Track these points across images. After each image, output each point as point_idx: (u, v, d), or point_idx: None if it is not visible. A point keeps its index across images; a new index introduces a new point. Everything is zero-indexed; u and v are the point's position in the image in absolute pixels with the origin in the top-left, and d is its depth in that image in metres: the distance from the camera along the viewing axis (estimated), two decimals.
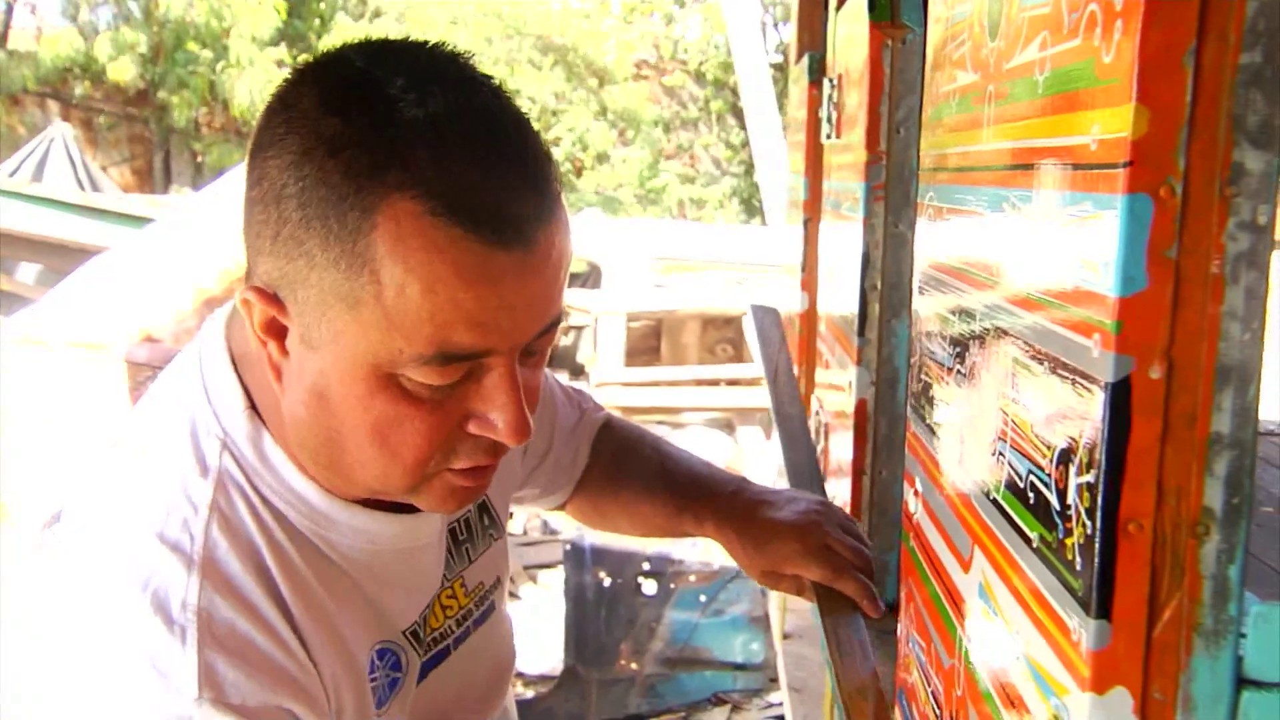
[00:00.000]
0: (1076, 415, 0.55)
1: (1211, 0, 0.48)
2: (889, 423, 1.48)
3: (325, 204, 0.75)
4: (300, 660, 0.83)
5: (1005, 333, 0.68)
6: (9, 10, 12.72)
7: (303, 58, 0.90)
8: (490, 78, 0.81)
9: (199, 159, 16.04)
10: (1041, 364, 0.60)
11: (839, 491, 1.60)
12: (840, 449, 1.62)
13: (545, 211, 0.79)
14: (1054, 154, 0.59)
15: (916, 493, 0.99)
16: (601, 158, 17.20)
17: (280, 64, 14.68)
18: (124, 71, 14.28)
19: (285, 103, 0.79)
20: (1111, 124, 0.51)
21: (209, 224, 4.04)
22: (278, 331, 0.81)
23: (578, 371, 8.03)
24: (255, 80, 14.25)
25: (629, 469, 1.33)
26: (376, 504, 0.92)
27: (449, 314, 0.75)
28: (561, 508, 1.38)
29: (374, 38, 0.83)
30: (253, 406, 0.87)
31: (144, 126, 15.97)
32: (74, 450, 3.10)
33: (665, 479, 1.31)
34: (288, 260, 0.77)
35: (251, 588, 0.82)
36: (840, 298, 1.65)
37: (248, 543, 0.84)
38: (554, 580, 5.55)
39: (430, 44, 0.82)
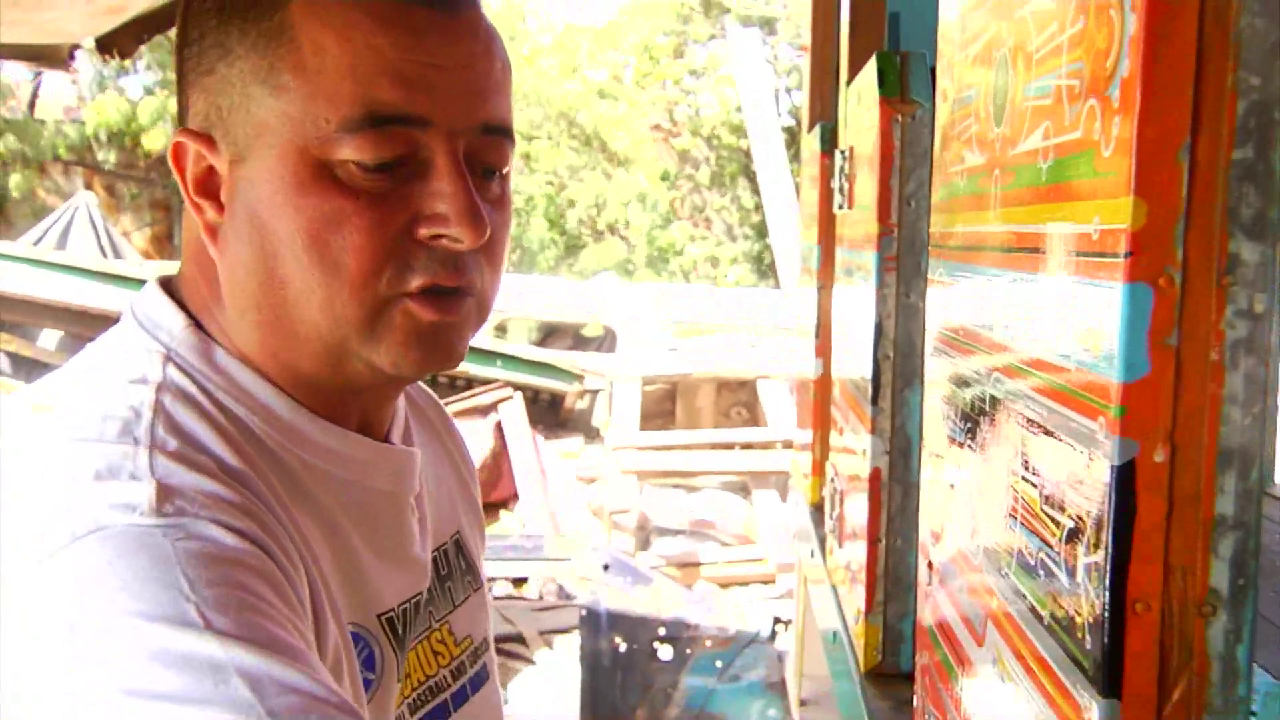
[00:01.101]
0: (1083, 495, 0.56)
1: (1205, 98, 0.50)
2: (903, 491, 1.49)
3: (240, 2, 0.73)
4: (280, 519, 0.72)
5: (1013, 410, 0.69)
6: (37, 80, 13.00)
7: None
8: None
9: None
10: (1048, 444, 0.62)
11: (854, 558, 1.61)
12: (855, 515, 1.62)
13: None
14: (1057, 241, 0.61)
15: (930, 564, 1.00)
16: (614, 225, 17.35)
17: None
18: (163, 137, 14.56)
19: None
20: (1112, 215, 0.52)
21: None
22: (213, 188, 0.76)
23: (593, 435, 8.04)
24: None
25: None
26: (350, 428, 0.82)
27: (370, 64, 0.71)
28: None
29: None
30: (197, 325, 0.78)
31: (166, 192, 16.20)
32: None
33: None
34: (209, 73, 0.74)
35: (213, 470, 0.70)
36: (853, 365, 1.66)
37: (200, 443, 0.72)
38: (569, 645, 5.53)
39: None
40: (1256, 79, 0.49)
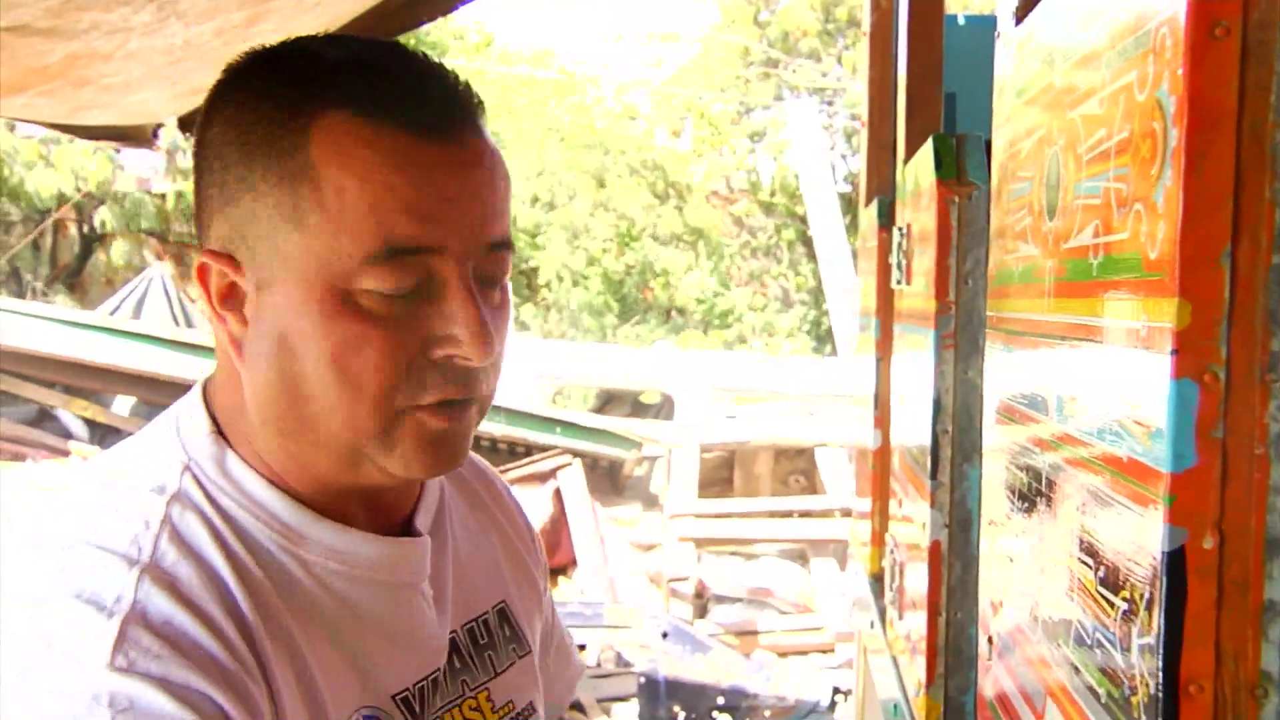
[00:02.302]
0: (1136, 580, 0.58)
1: (1244, 207, 0.53)
2: (963, 565, 1.50)
3: (264, 138, 0.78)
4: (246, 662, 0.77)
5: (1067, 494, 0.72)
6: (117, 154, 13.46)
7: None
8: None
9: None
10: (1101, 526, 0.64)
11: (914, 628, 1.62)
12: (915, 586, 1.63)
13: (470, 120, 0.81)
14: (1107, 334, 0.64)
15: (990, 639, 1.02)
16: (673, 286, 17.46)
17: None
18: None
19: (223, 81, 0.84)
20: (1158, 314, 0.56)
21: None
22: (236, 301, 0.82)
23: (651, 502, 8.04)
24: None
25: None
26: (356, 525, 0.87)
27: (388, 203, 0.76)
28: None
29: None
30: (219, 434, 0.85)
31: None
32: None
33: None
34: (235, 204, 0.80)
35: (199, 590, 0.77)
36: (913, 437, 1.68)
37: (200, 556, 0.79)
38: (628, 714, 5.50)
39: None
40: None
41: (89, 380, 7.83)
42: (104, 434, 7.63)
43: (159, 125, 3.36)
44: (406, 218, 0.76)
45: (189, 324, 9.36)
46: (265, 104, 0.79)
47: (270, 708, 0.77)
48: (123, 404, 8.20)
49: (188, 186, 14.56)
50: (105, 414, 8.00)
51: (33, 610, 0.75)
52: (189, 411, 0.87)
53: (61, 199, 14.03)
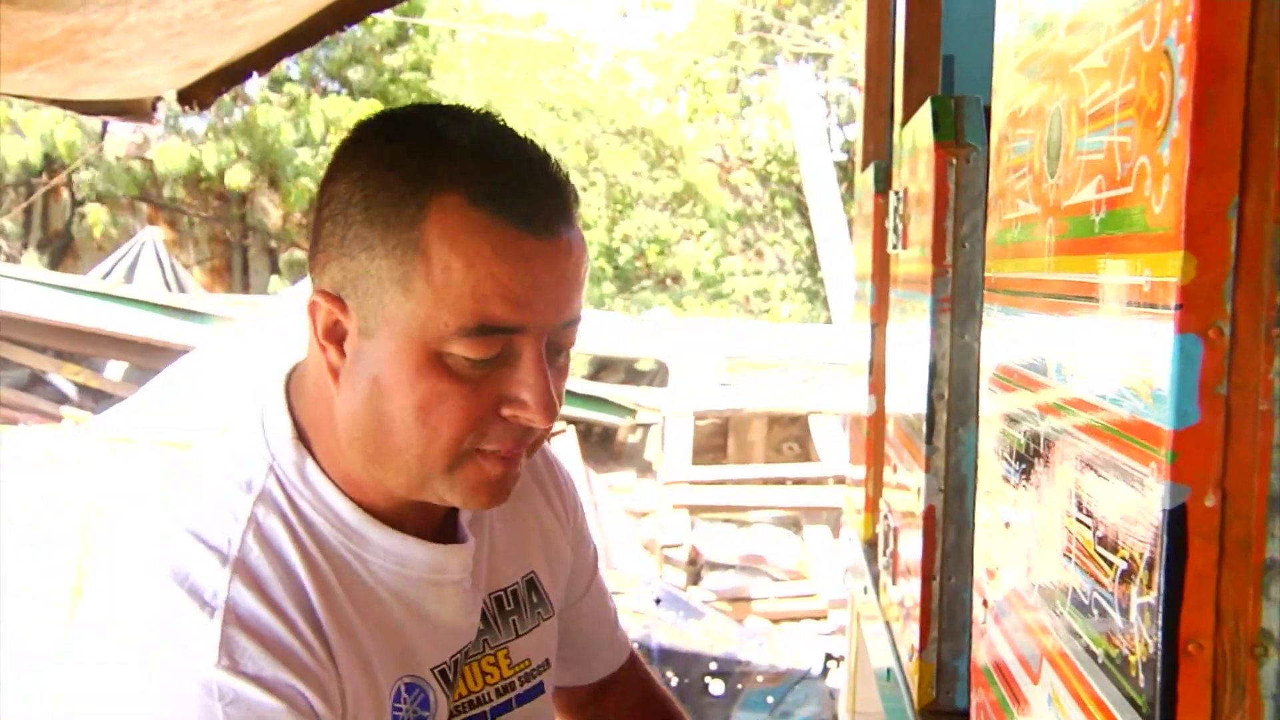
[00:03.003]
0: (1135, 537, 0.58)
1: (1252, 158, 0.52)
2: (957, 529, 1.49)
3: (386, 204, 0.88)
4: (319, 656, 0.91)
5: (1067, 453, 0.71)
6: (104, 121, 13.37)
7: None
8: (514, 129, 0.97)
9: (276, 259, 16.52)
10: (1101, 485, 0.64)
11: (908, 595, 1.62)
12: (909, 553, 1.63)
13: (567, 215, 0.92)
14: (1109, 291, 0.63)
15: (985, 602, 1.02)
16: (667, 254, 17.40)
17: None
18: (236, 179, 14.91)
19: (353, 140, 0.95)
20: (1162, 269, 0.55)
21: (288, 322, 4.17)
22: (338, 336, 0.93)
23: (645, 469, 8.05)
24: None
25: None
26: (411, 532, 1.00)
27: (487, 287, 0.87)
28: (574, 717, 1.40)
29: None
30: (300, 438, 0.98)
31: (225, 228, 16.52)
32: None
33: None
34: (351, 258, 0.90)
35: (278, 588, 0.91)
36: (908, 403, 1.68)
37: (279, 551, 0.93)
38: None
39: (471, 106, 0.97)
40: None
41: (81, 345, 7.80)
42: (96, 398, 7.61)
43: (158, 99, 3.33)
44: (501, 302, 0.87)
45: (181, 289, 9.32)
46: (391, 174, 0.89)
47: (339, 691, 0.91)
48: (115, 369, 8.18)
49: (172, 157, 14.55)
50: (97, 379, 7.99)
51: (138, 595, 0.89)
52: (273, 411, 0.99)
53: (49, 164, 13.94)
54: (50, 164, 14.10)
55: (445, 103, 1.00)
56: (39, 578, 3.06)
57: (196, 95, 2.86)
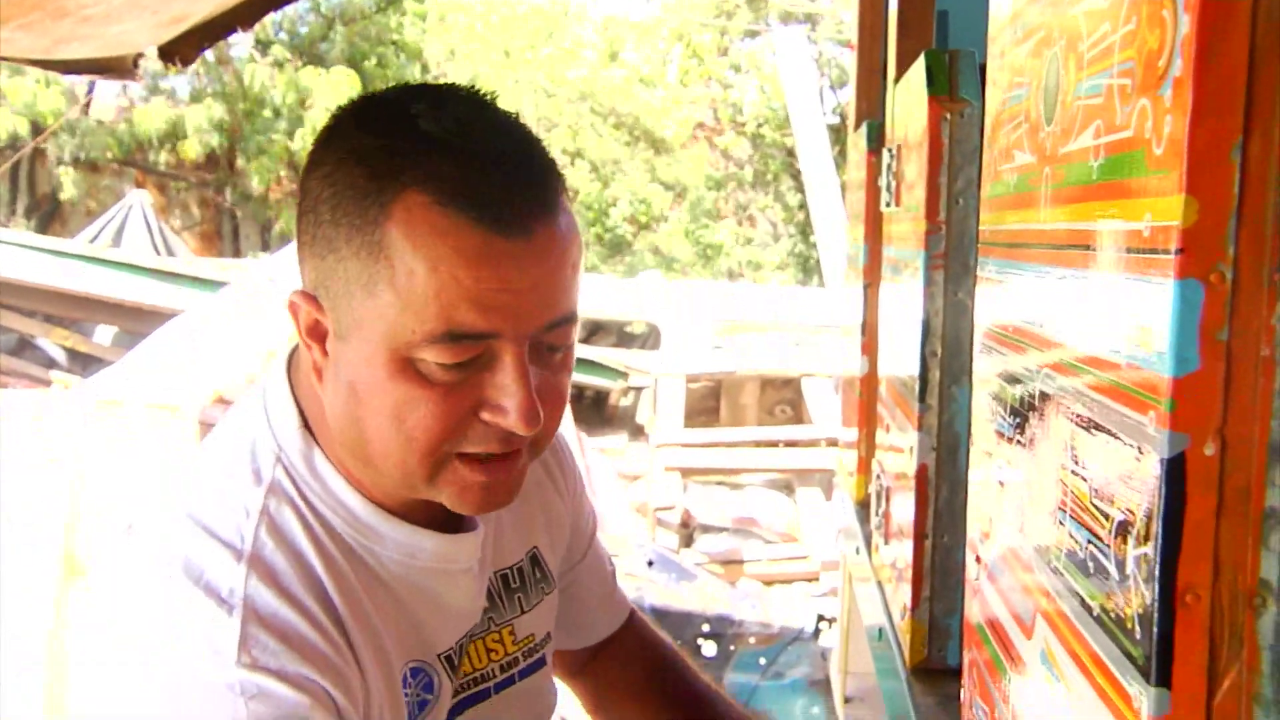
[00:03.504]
0: (1133, 488, 0.57)
1: (1257, 99, 0.50)
2: (950, 488, 1.49)
3: (350, 202, 0.84)
4: (340, 649, 0.89)
5: (1063, 405, 0.70)
6: (91, 85, 13.22)
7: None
8: (505, 110, 0.91)
9: (266, 224, 16.43)
10: (1098, 437, 0.63)
11: (901, 555, 1.61)
12: (901, 513, 1.63)
13: (545, 209, 0.86)
14: (1108, 238, 0.61)
15: (978, 559, 1.01)
16: (658, 219, 17.32)
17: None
18: (209, 143, 14.77)
19: (329, 130, 0.90)
20: (1163, 213, 0.53)
21: (278, 287, 4.14)
22: (320, 334, 0.90)
23: (637, 432, 8.06)
24: None
25: (671, 685, 1.35)
26: (420, 522, 0.98)
27: (452, 293, 0.82)
28: (574, 679, 1.38)
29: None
30: (306, 426, 0.95)
31: (215, 192, 16.41)
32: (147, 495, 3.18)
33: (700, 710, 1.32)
34: (321, 258, 0.87)
35: (294, 581, 0.89)
36: (901, 363, 1.67)
37: (294, 544, 0.91)
38: None
39: (462, 85, 0.92)
40: None
41: (69, 309, 7.76)
42: (85, 363, 7.58)
43: (139, 55, 3.29)
44: (467, 307, 0.83)
45: (169, 252, 9.27)
46: (358, 170, 0.85)
47: (359, 682, 0.91)
48: (104, 333, 8.15)
49: (153, 118, 14.37)
50: (86, 343, 7.96)
51: (154, 595, 0.87)
52: (277, 397, 0.97)
53: (35, 131, 13.82)
54: (36, 131, 13.97)
55: (437, 82, 0.94)
56: (29, 542, 3.06)
57: (178, 52, 2.82)
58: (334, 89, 14.52)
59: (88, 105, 13.91)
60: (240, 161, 15.54)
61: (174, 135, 14.74)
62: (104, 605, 0.92)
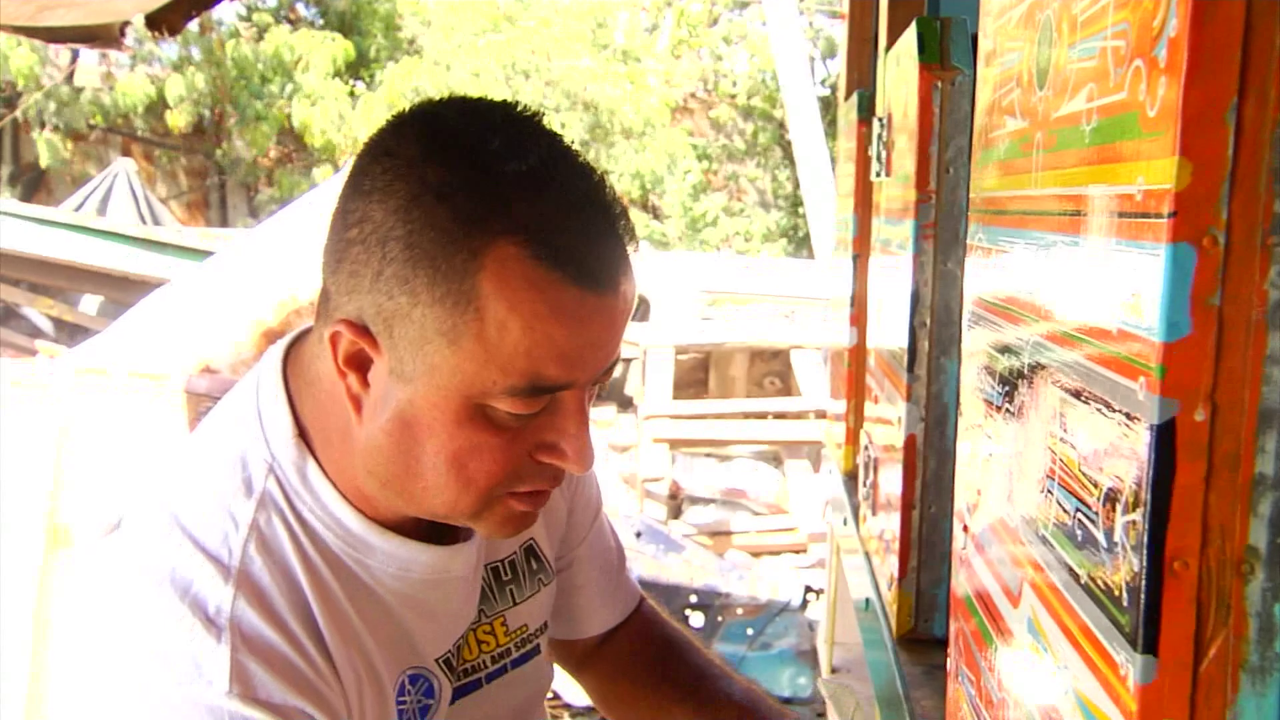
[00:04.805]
0: (1122, 455, 0.56)
1: (1252, 60, 0.50)
2: (938, 459, 1.49)
3: (433, 245, 0.80)
4: (322, 672, 0.89)
5: (1052, 372, 0.70)
6: (75, 52, 13.09)
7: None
8: (568, 141, 0.89)
9: (253, 193, 16.32)
10: (1087, 404, 0.62)
11: (888, 526, 1.61)
12: (889, 484, 1.63)
13: (626, 260, 0.86)
14: (1100, 202, 0.61)
15: (965, 528, 1.01)
16: (646, 196, 17.26)
17: (353, 94, 15.03)
18: (196, 110, 14.65)
19: (387, 150, 0.85)
20: (1156, 176, 0.53)
21: (266, 257, 4.12)
22: (361, 364, 0.87)
23: (625, 404, 8.06)
24: (328, 113, 14.53)
25: (671, 670, 1.32)
26: (413, 533, 0.96)
27: (543, 349, 0.82)
28: (584, 679, 1.35)
29: (456, 95, 0.91)
30: (301, 435, 0.93)
31: (202, 161, 16.28)
32: (133, 475, 3.17)
33: (712, 693, 1.29)
34: (388, 297, 0.83)
35: (281, 602, 0.88)
36: (889, 334, 1.66)
37: (282, 561, 0.90)
38: None
39: (509, 103, 0.88)
40: None
41: (55, 278, 7.71)
42: (72, 332, 7.54)
43: (126, 23, 3.25)
44: (555, 362, 0.82)
45: (155, 221, 9.21)
46: (440, 210, 0.80)
47: (343, 704, 0.90)
48: (90, 303, 8.10)
49: (136, 90, 14.21)
50: (72, 313, 7.91)
51: (140, 608, 0.86)
52: (271, 403, 0.94)
53: (16, 97, 13.69)
54: (17, 98, 13.84)
55: (481, 98, 0.90)
56: (13, 511, 3.05)
57: (165, 20, 2.79)
58: (323, 51, 14.42)
59: (72, 73, 13.78)
60: (231, 127, 15.42)
61: (160, 102, 14.61)
62: (89, 611, 0.92)
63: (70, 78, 14.01)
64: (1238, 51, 0.50)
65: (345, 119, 14.61)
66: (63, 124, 14.49)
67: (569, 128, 16.03)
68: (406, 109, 0.89)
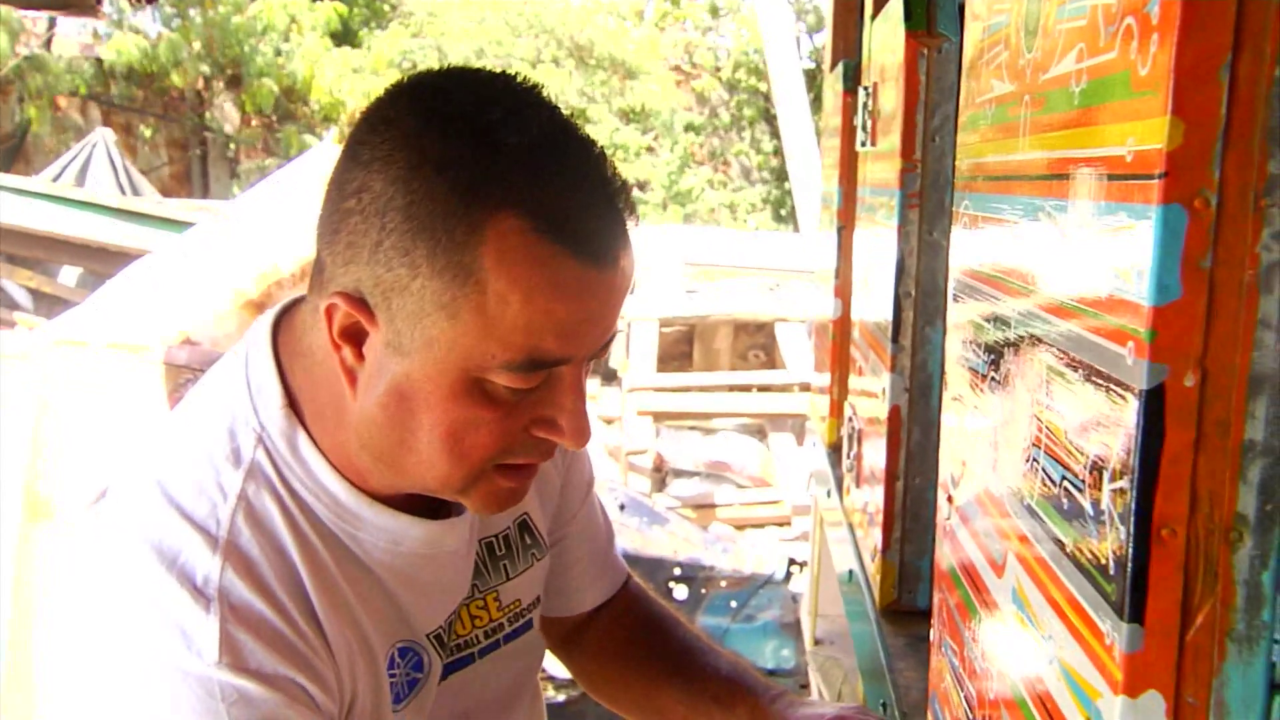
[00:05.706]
0: (1110, 422, 0.55)
1: (1247, 15, 0.48)
2: (922, 429, 1.48)
3: (433, 217, 0.79)
4: (312, 643, 0.88)
5: (1039, 340, 0.69)
6: (52, 19, 12.92)
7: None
8: (568, 115, 0.87)
9: (235, 164, 16.17)
10: (1075, 371, 0.61)
11: (872, 498, 1.61)
12: (873, 455, 1.62)
13: (626, 235, 0.86)
14: (1089, 164, 0.60)
15: (949, 499, 1.00)
16: (633, 157, 17.16)
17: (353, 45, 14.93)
18: (185, 75, 14.45)
19: (386, 120, 0.83)
20: (1147, 136, 0.51)
21: (247, 228, 4.08)
22: (356, 337, 0.86)
23: (610, 377, 8.05)
24: (325, 71, 14.40)
25: (657, 646, 1.29)
26: (406, 507, 0.95)
27: (542, 323, 0.81)
28: (568, 658, 1.33)
29: (453, 65, 0.90)
30: (291, 405, 0.92)
31: (183, 131, 16.12)
32: (115, 447, 3.14)
33: (698, 668, 1.25)
34: (387, 269, 0.81)
35: (269, 573, 0.87)
36: (874, 304, 1.65)
37: (270, 532, 0.89)
38: None
39: (510, 74, 0.87)
40: None
41: (33, 249, 7.63)
42: (50, 304, 7.47)
43: None
44: (554, 336, 0.82)
45: (135, 192, 9.12)
46: (440, 181, 0.79)
47: (335, 676, 0.89)
48: (69, 274, 8.02)
49: (123, 51, 14.04)
50: (51, 284, 7.83)
51: (128, 579, 0.85)
52: (260, 372, 0.93)
53: None
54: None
55: (481, 69, 0.88)
56: None
57: None
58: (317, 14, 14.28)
59: (50, 39, 13.61)
60: (222, 90, 15.25)
61: (146, 72, 14.43)
62: (75, 583, 0.90)
63: (48, 45, 13.84)
64: (1233, 6, 0.49)
65: (345, 78, 14.48)
66: (53, 93, 14.31)
67: (564, 67, 15.98)
68: (405, 79, 0.88)
